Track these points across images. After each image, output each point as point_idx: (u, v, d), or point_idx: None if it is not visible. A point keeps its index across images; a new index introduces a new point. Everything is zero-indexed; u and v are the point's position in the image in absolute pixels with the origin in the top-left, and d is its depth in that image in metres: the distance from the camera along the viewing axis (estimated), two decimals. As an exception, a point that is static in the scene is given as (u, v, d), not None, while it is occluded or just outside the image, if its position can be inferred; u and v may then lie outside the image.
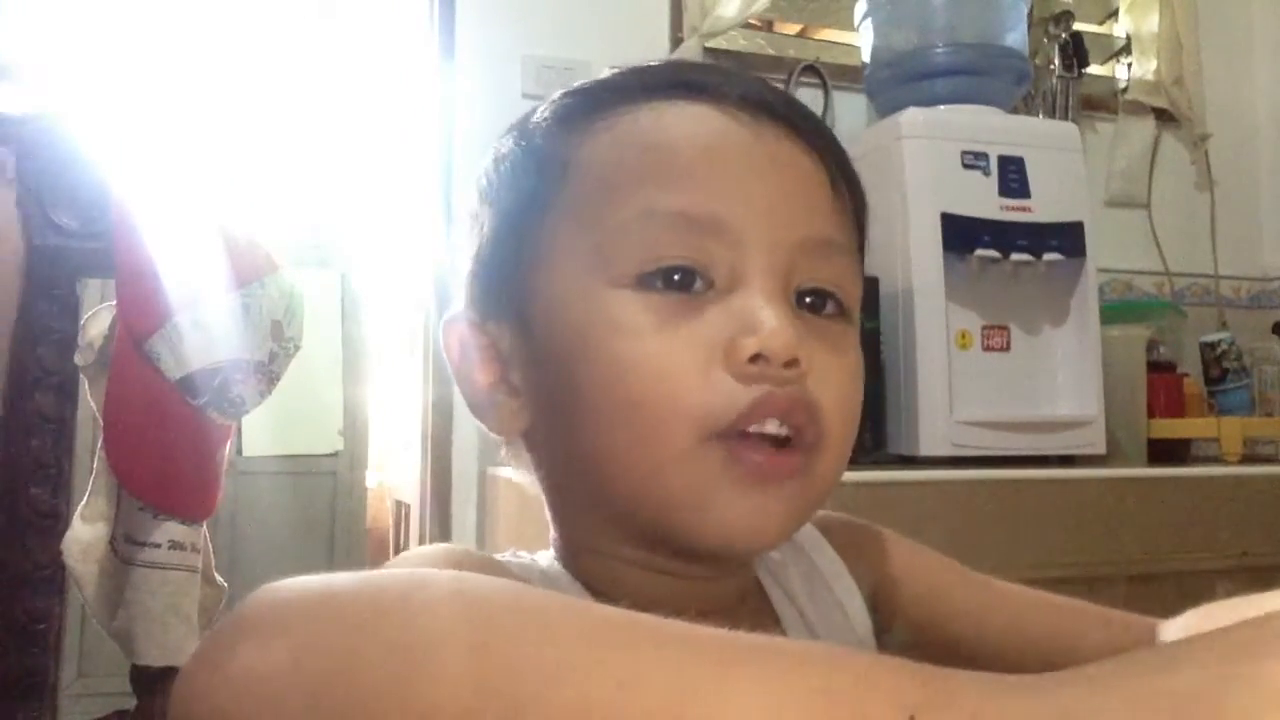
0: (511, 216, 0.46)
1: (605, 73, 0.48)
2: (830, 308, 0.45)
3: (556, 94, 0.48)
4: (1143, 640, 0.48)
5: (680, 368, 0.40)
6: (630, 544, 0.43)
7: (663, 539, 0.42)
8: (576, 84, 0.47)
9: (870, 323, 1.56)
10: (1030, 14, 1.86)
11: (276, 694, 0.27)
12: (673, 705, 0.24)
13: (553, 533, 0.48)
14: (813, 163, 0.44)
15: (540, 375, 0.44)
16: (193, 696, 0.29)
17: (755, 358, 0.40)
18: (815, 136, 0.45)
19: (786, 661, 0.25)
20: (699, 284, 0.41)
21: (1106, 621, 0.51)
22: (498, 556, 0.45)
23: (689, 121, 0.43)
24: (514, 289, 0.45)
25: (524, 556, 0.47)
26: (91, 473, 0.85)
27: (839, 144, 0.47)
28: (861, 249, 0.49)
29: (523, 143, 0.47)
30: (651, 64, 0.47)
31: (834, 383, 0.43)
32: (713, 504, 0.40)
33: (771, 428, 0.40)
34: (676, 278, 0.41)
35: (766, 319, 0.40)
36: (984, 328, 1.61)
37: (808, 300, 0.44)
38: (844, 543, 0.54)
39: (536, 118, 0.48)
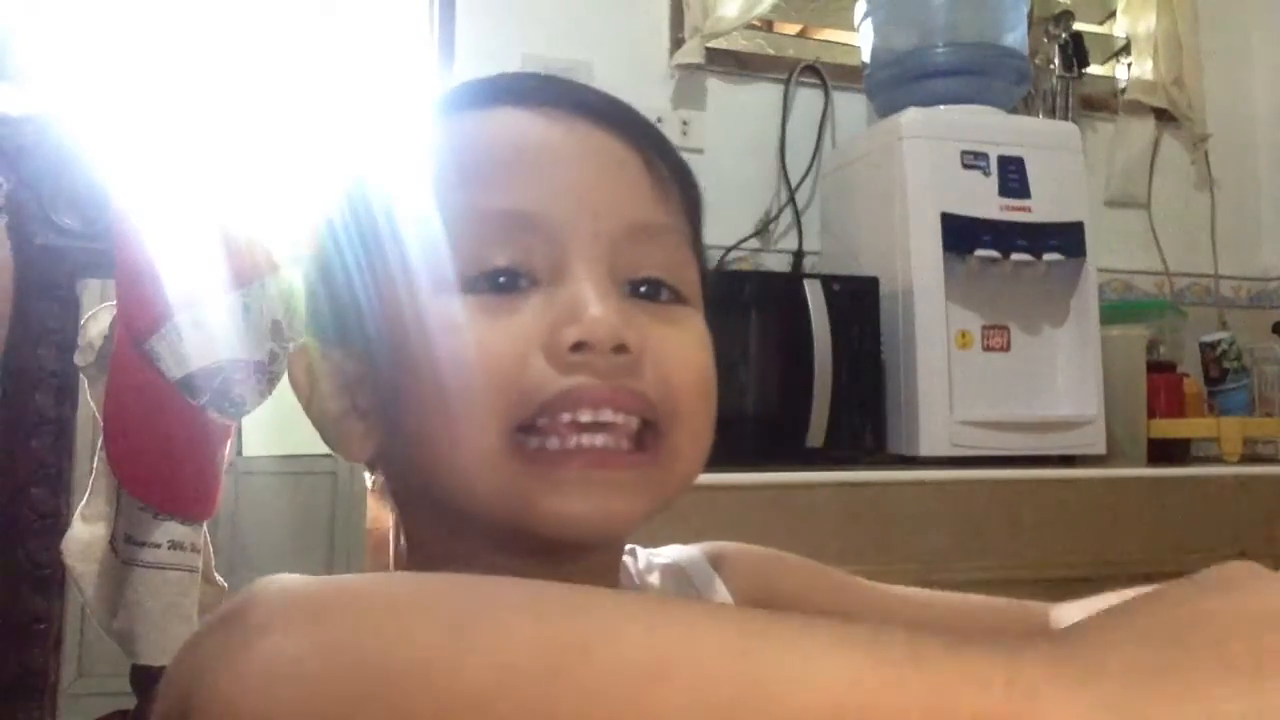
0: (342, 242, 0.46)
1: (433, 86, 0.48)
2: (665, 295, 0.44)
3: (385, 123, 0.48)
4: (1036, 626, 0.51)
5: (496, 359, 0.40)
6: (483, 547, 0.42)
7: (503, 537, 0.41)
8: (405, 108, 0.48)
9: (870, 323, 1.56)
10: (1030, 14, 1.86)
11: (308, 684, 0.27)
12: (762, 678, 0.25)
13: (405, 555, 0.47)
14: (627, 150, 0.44)
15: (381, 393, 0.44)
16: (213, 694, 0.29)
17: (579, 346, 0.39)
18: (631, 126, 0.45)
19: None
20: (524, 282, 0.41)
21: (996, 610, 0.53)
22: None
23: (502, 126, 0.44)
24: (351, 313, 0.45)
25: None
26: (91, 473, 0.85)
27: (660, 134, 0.47)
28: (696, 236, 0.48)
29: (351, 172, 0.47)
30: (474, 80, 0.47)
31: (676, 359, 0.42)
32: (534, 500, 0.39)
33: (586, 417, 0.40)
34: (501, 280, 0.41)
35: (589, 308, 0.40)
36: (984, 328, 1.61)
37: (642, 290, 0.43)
38: (735, 573, 0.54)
39: (364, 144, 0.48)
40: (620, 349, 0.40)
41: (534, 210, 0.41)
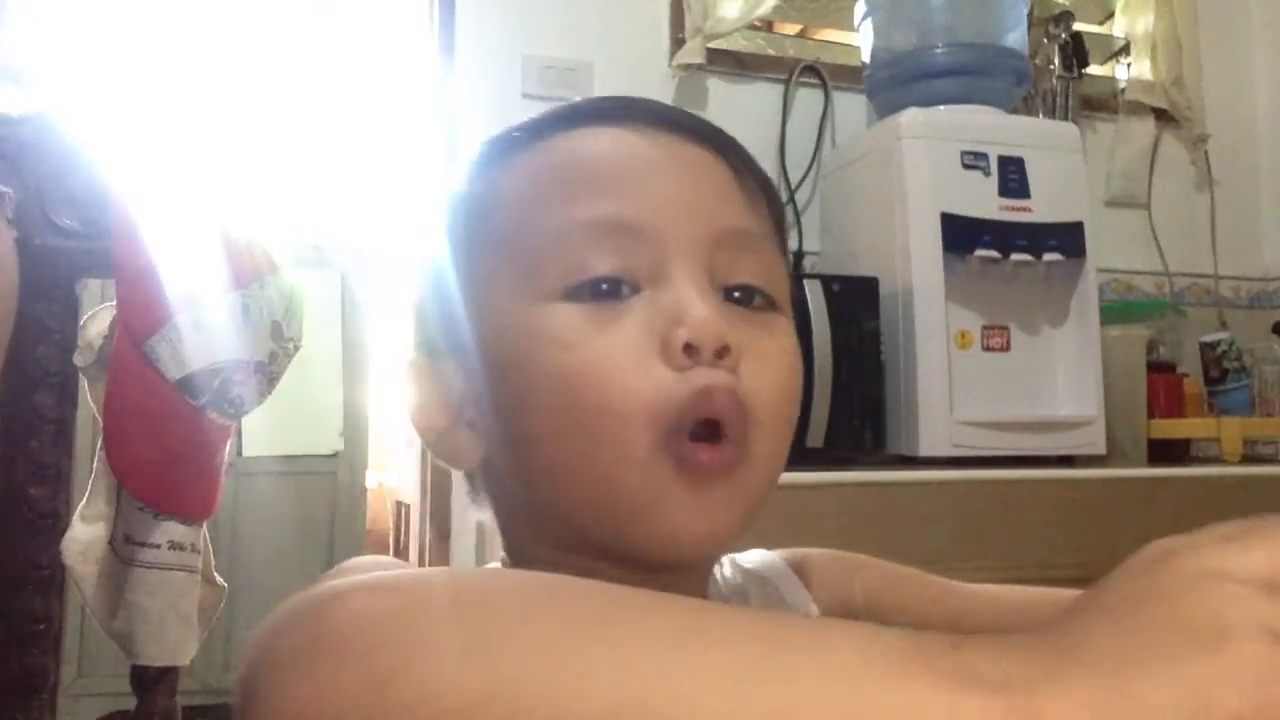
0: (446, 260, 0.48)
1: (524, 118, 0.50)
2: (758, 301, 0.46)
3: (481, 143, 0.50)
4: None
5: (620, 368, 0.41)
6: (578, 558, 0.43)
7: (611, 549, 0.43)
8: (495, 134, 0.50)
9: (870, 323, 1.56)
10: (1030, 14, 1.86)
11: (387, 638, 0.29)
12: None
13: (506, 562, 0.49)
14: (719, 162, 0.46)
15: (491, 405, 0.45)
16: (273, 709, 0.30)
17: (687, 348, 0.41)
18: (717, 138, 0.47)
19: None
20: (626, 290, 0.43)
21: (1056, 601, 0.52)
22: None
23: (597, 142, 0.46)
24: (457, 327, 0.46)
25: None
26: (91, 473, 0.85)
27: (742, 147, 0.49)
28: (784, 245, 0.50)
29: (453, 192, 0.49)
30: (556, 107, 0.49)
31: (769, 368, 0.44)
32: (661, 507, 0.41)
33: (720, 414, 0.41)
34: (604, 287, 0.43)
35: (694, 309, 0.41)
36: (984, 328, 1.61)
37: (736, 295, 0.45)
38: (817, 579, 0.55)
39: (463, 170, 0.50)
40: (723, 351, 0.41)
41: (632, 217, 0.43)
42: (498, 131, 0.50)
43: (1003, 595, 0.57)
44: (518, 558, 0.48)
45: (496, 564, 0.50)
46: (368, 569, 0.34)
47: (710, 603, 0.43)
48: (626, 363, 0.41)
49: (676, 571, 0.43)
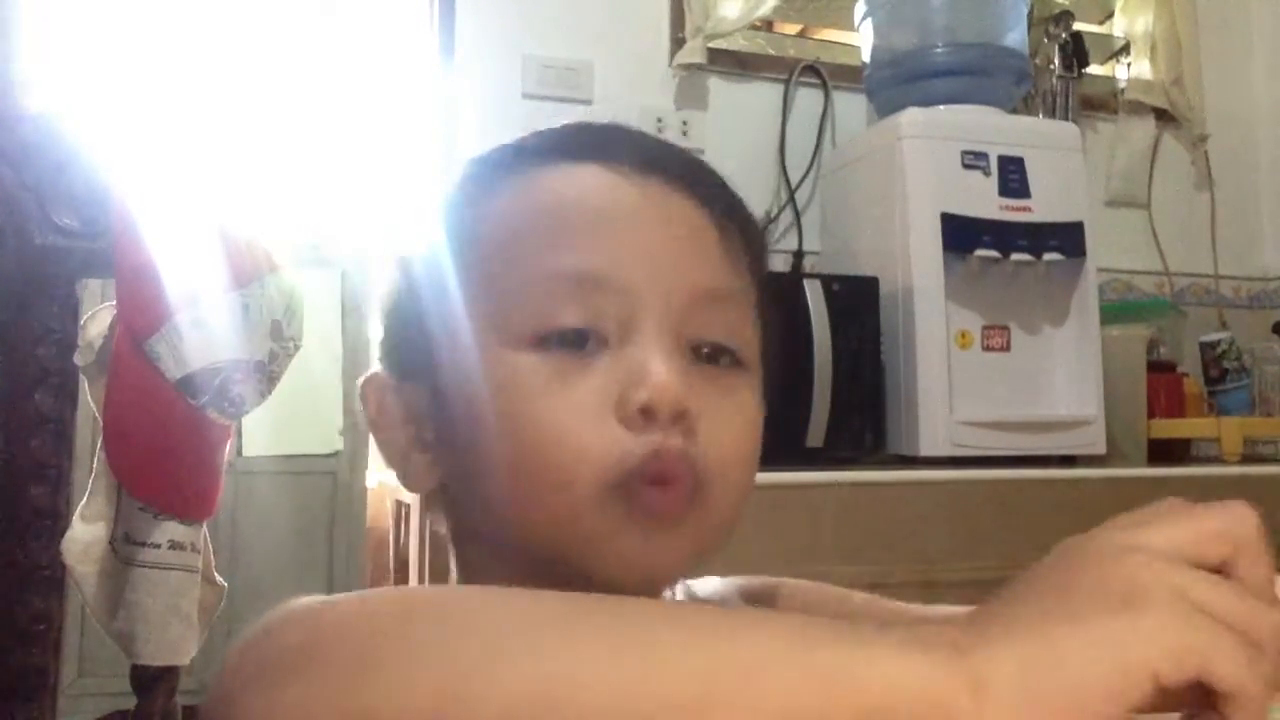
0: (418, 284, 0.48)
1: (509, 140, 0.50)
2: (725, 360, 0.46)
3: (462, 164, 0.50)
4: None
5: (576, 425, 0.42)
6: (531, 582, 0.44)
7: (562, 578, 0.43)
8: (481, 154, 0.50)
9: (870, 323, 1.56)
10: (1030, 14, 1.86)
11: (347, 662, 0.30)
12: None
13: (457, 575, 0.49)
14: (701, 214, 0.46)
15: (451, 434, 0.46)
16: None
17: (644, 410, 0.41)
18: (704, 188, 0.47)
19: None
20: (592, 343, 0.43)
21: None
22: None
23: (577, 184, 0.45)
24: (423, 355, 0.47)
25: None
26: (91, 473, 0.85)
27: (732, 193, 0.48)
28: (761, 297, 0.49)
29: (431, 215, 0.49)
30: (544, 129, 0.49)
31: (727, 431, 0.44)
32: (614, 546, 0.42)
33: (670, 472, 0.42)
34: (571, 338, 0.43)
35: (655, 371, 0.42)
36: (984, 328, 1.61)
37: (705, 352, 0.45)
38: (770, 606, 0.56)
39: (442, 189, 0.50)
40: (680, 415, 0.42)
41: (606, 273, 0.43)
42: (479, 155, 0.49)
43: (928, 614, 0.57)
44: (470, 578, 0.48)
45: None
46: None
47: (660, 602, 0.44)
48: (583, 420, 0.42)
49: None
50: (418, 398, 0.47)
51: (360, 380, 0.50)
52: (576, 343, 0.43)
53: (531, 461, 0.42)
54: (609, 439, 0.41)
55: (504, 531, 0.45)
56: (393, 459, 0.49)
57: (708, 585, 0.55)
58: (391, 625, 0.31)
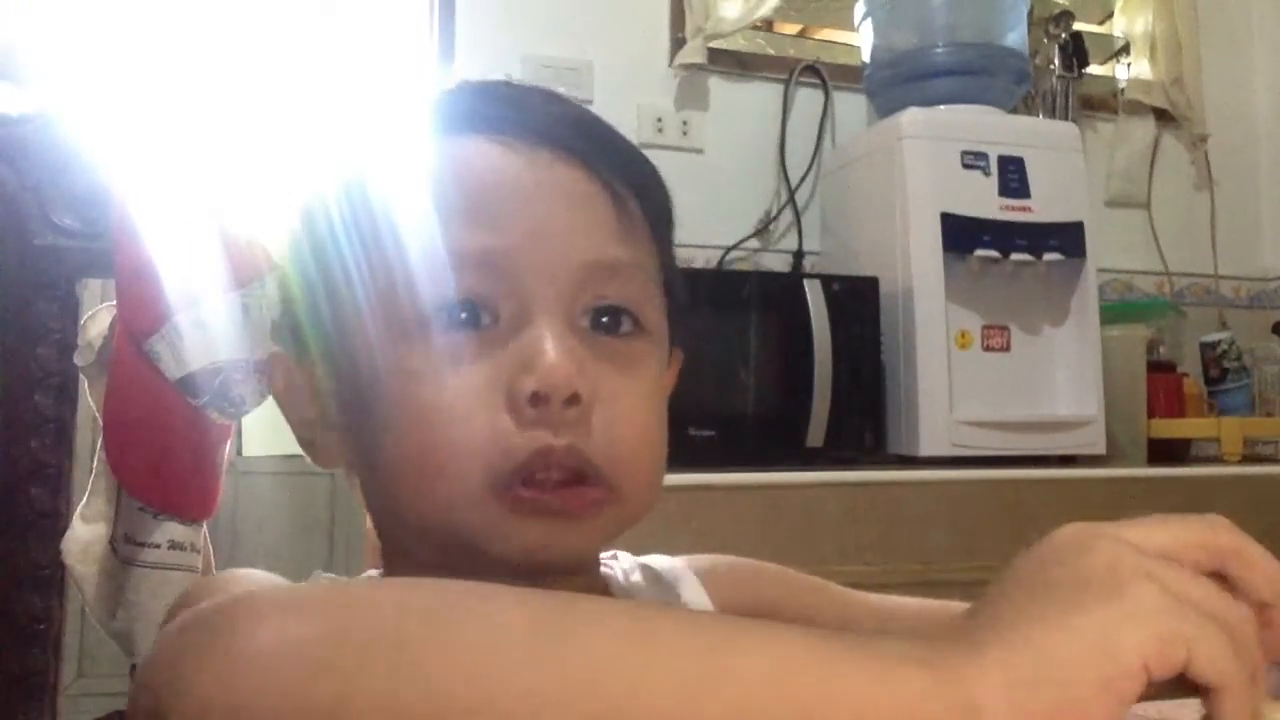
0: (308, 260, 0.46)
1: (401, 106, 0.48)
2: (626, 325, 0.44)
3: (352, 136, 0.48)
4: None
5: (464, 413, 0.41)
6: (463, 562, 0.42)
7: (481, 562, 0.42)
8: (378, 123, 0.48)
9: (870, 323, 1.56)
10: (1030, 14, 1.86)
11: (286, 675, 0.28)
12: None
13: (381, 550, 0.48)
14: (593, 184, 0.44)
15: (351, 415, 0.45)
16: (188, 691, 0.28)
17: (534, 397, 0.40)
18: (600, 157, 0.45)
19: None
20: (485, 319, 0.42)
21: (948, 611, 0.53)
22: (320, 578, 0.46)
23: (467, 159, 0.43)
24: (319, 332, 0.46)
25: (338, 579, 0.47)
26: (91, 473, 0.85)
27: (636, 160, 0.47)
28: (664, 264, 0.48)
29: (327, 184, 0.47)
30: (439, 95, 0.47)
31: (623, 413, 0.43)
32: (510, 536, 0.41)
33: (555, 475, 0.41)
34: (463, 315, 0.42)
35: (546, 353, 0.40)
36: (984, 328, 1.61)
37: (604, 320, 0.44)
38: (716, 581, 0.55)
39: (332, 160, 0.48)
40: (572, 400, 0.40)
41: (495, 245, 0.42)
42: (377, 125, 0.48)
43: (901, 605, 0.57)
44: (396, 560, 0.47)
45: (374, 571, 0.49)
46: (240, 582, 0.34)
47: (648, 603, 0.44)
48: (471, 408, 0.41)
49: (557, 579, 0.42)
50: (319, 373, 0.46)
51: (265, 355, 0.50)
52: (469, 320, 0.42)
53: (420, 450, 0.41)
54: (496, 431, 0.41)
55: (408, 515, 0.44)
56: (300, 435, 0.49)
57: (657, 559, 0.55)
58: (418, 625, 0.30)
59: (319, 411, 0.47)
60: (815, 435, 1.49)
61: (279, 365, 0.49)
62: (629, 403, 0.43)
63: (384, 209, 0.44)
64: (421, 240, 0.42)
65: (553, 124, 0.45)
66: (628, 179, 0.45)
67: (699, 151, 1.91)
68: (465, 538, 0.42)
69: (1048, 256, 1.59)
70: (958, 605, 0.55)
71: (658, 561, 0.55)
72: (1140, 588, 0.28)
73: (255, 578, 0.41)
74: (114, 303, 0.84)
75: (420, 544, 0.45)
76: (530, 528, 0.41)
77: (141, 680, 0.31)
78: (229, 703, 0.28)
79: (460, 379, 0.41)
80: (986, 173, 1.60)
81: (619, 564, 0.53)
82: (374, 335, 0.43)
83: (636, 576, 0.53)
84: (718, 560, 0.57)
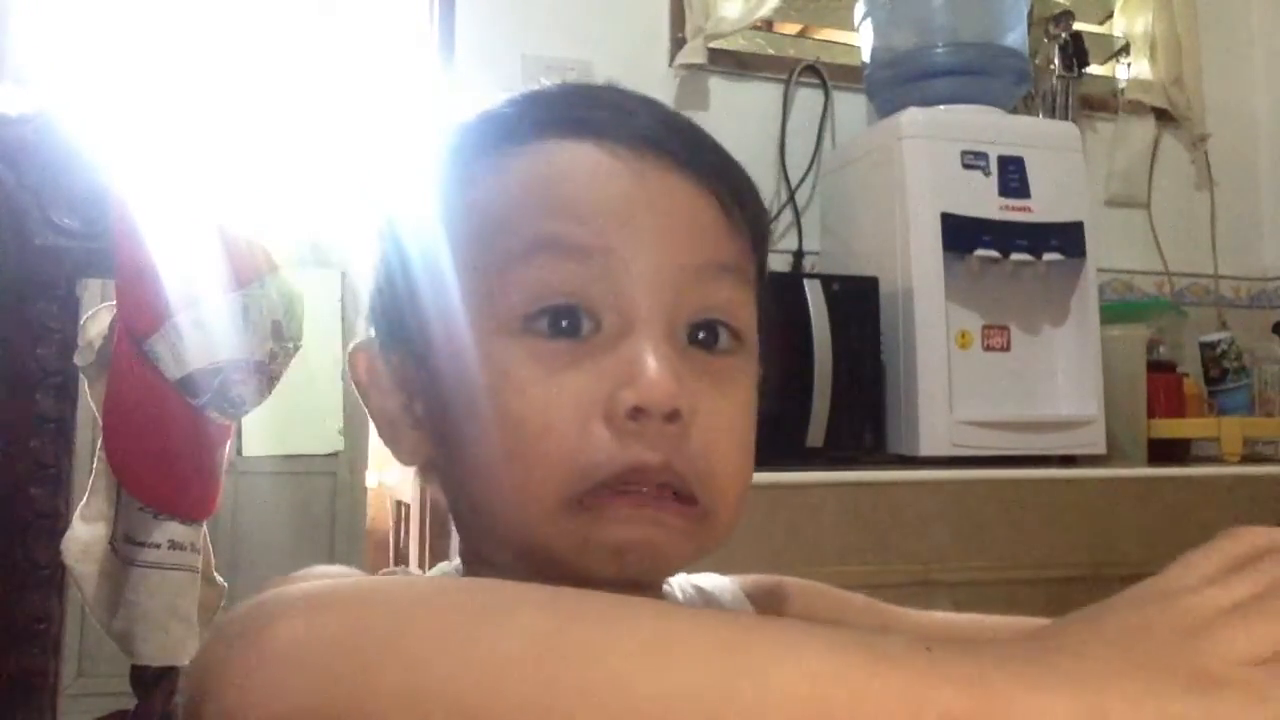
0: (406, 257, 0.46)
1: (497, 103, 0.48)
2: (723, 341, 0.44)
3: (452, 130, 0.48)
4: None
5: (561, 423, 0.40)
6: (534, 569, 0.43)
7: (558, 563, 0.42)
8: (471, 119, 0.48)
9: (870, 323, 1.56)
10: (1030, 14, 1.86)
11: (317, 666, 0.29)
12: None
13: (460, 545, 0.48)
14: (700, 191, 0.44)
15: (438, 412, 0.45)
16: (224, 683, 0.30)
17: (634, 411, 0.40)
18: (703, 165, 0.45)
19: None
20: (586, 326, 0.42)
21: (1015, 629, 0.52)
22: (383, 573, 0.47)
23: (572, 164, 0.43)
24: (412, 326, 0.45)
25: (411, 572, 0.47)
26: (91, 473, 0.85)
27: (735, 169, 0.47)
28: (761, 276, 0.48)
29: (417, 180, 0.47)
30: (541, 95, 0.47)
31: (720, 430, 0.43)
32: (589, 539, 0.41)
33: (647, 489, 0.41)
34: (564, 323, 0.41)
35: (647, 368, 0.40)
36: (984, 328, 1.61)
37: (700, 336, 0.44)
38: (767, 605, 0.55)
39: (432, 154, 0.48)
40: (673, 416, 0.40)
41: (602, 246, 0.42)
42: (469, 123, 0.47)
43: (954, 622, 0.57)
44: (474, 561, 0.47)
45: (450, 566, 0.49)
46: (319, 578, 0.34)
47: (677, 606, 0.44)
48: (569, 419, 0.40)
49: (627, 589, 0.43)
50: (406, 366, 0.46)
51: (350, 346, 0.49)
52: (570, 328, 0.41)
53: (505, 462, 0.41)
54: (593, 443, 0.40)
55: (485, 519, 0.44)
56: (383, 428, 0.48)
57: (707, 579, 0.55)
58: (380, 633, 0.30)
59: (404, 402, 0.47)
60: (815, 435, 1.49)
61: (362, 356, 0.48)
62: (724, 421, 0.43)
63: (486, 204, 0.44)
64: (523, 238, 0.42)
65: (658, 131, 0.45)
66: (730, 188, 0.46)
67: (699, 151, 1.90)
68: (541, 546, 0.41)
69: (1048, 256, 1.59)
70: (1021, 622, 0.54)
71: (708, 581, 0.55)
72: (1234, 697, 0.27)
73: (331, 573, 0.41)
74: (114, 303, 0.84)
75: (499, 548, 0.44)
76: (620, 530, 0.41)
77: (186, 678, 0.32)
78: (253, 700, 0.29)
79: (559, 388, 0.41)
80: (986, 173, 1.60)
81: (675, 582, 0.53)
82: (475, 342, 0.42)
83: (690, 593, 0.53)
84: (764, 579, 0.57)
